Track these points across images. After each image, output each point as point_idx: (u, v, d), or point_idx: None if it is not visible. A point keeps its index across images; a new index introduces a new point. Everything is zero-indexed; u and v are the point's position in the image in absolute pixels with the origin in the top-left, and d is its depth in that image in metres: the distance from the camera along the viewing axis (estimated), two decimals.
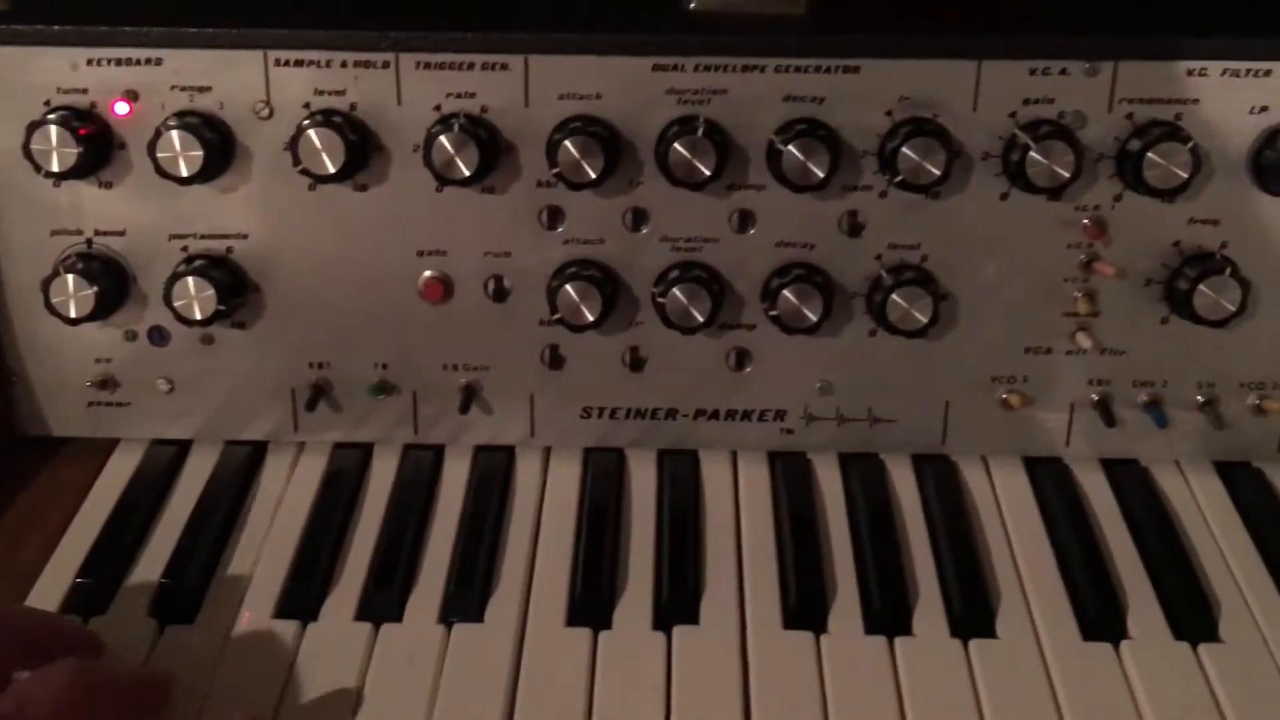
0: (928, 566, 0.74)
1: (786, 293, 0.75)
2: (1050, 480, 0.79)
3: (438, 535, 0.76)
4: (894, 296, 0.75)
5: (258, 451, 0.82)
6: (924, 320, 0.75)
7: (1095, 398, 0.79)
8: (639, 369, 0.80)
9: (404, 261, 0.77)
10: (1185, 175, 0.72)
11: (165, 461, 0.81)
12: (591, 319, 0.76)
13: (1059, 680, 0.66)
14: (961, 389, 0.80)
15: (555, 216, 0.77)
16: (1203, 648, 0.68)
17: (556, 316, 0.76)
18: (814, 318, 0.76)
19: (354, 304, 0.78)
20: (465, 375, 0.80)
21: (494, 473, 0.80)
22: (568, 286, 0.76)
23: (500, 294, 0.78)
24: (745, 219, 0.77)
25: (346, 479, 0.79)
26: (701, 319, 0.76)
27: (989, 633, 0.69)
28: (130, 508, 0.77)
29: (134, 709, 0.62)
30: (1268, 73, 0.72)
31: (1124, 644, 0.68)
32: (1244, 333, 0.77)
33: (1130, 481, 0.79)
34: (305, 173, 0.73)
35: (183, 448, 0.82)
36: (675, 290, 0.76)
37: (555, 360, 0.80)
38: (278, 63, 0.74)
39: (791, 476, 0.80)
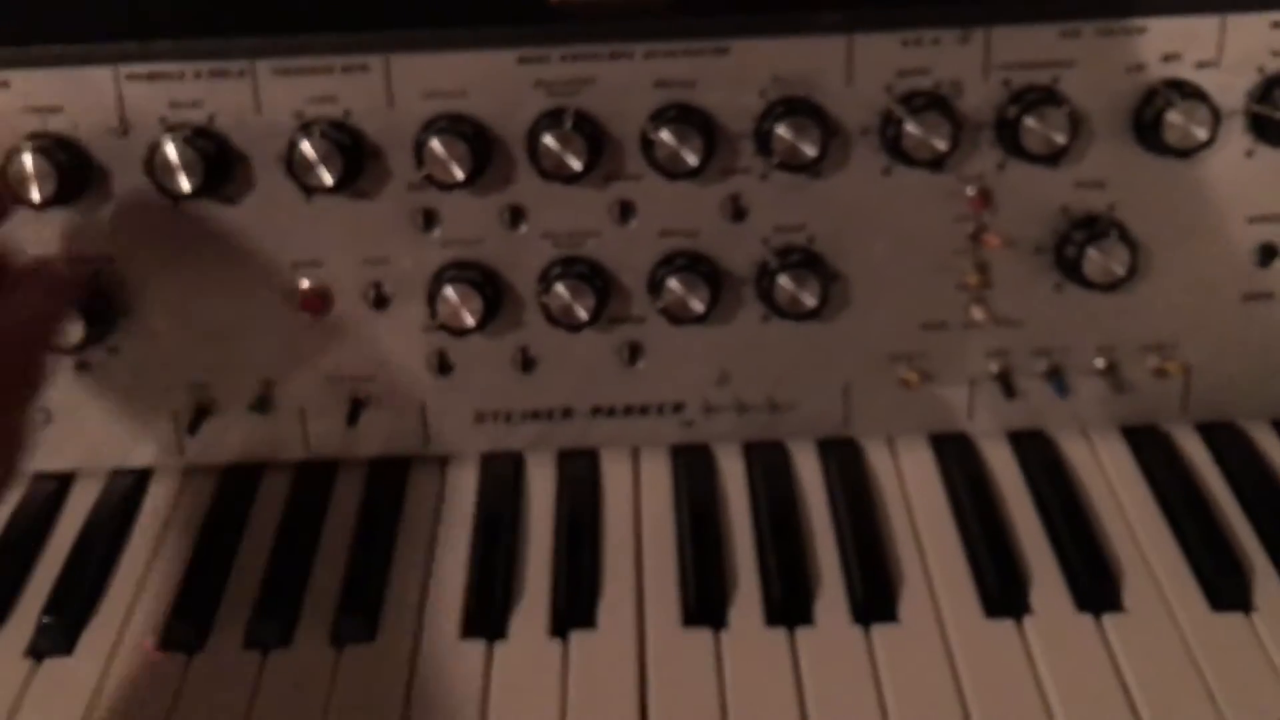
0: (831, 553, 0.72)
1: (672, 283, 0.74)
2: (954, 456, 0.78)
3: (330, 554, 0.74)
4: (781, 280, 0.73)
5: (143, 479, 0.79)
6: (813, 303, 0.74)
7: (995, 370, 0.78)
8: (530, 369, 0.78)
9: (279, 274, 0.75)
10: (1064, 139, 0.70)
11: (47, 495, 0.78)
12: (473, 322, 0.74)
13: (961, 661, 0.65)
14: (860, 370, 0.78)
15: (430, 219, 0.75)
16: (1106, 618, 0.67)
17: (438, 321, 0.74)
18: (701, 307, 0.74)
19: (230, 321, 0.76)
20: (352, 386, 0.78)
21: (388, 485, 0.78)
22: (447, 289, 0.74)
23: (381, 301, 0.76)
24: (625, 210, 0.75)
25: (235, 502, 0.77)
26: (586, 315, 0.74)
27: (891, 617, 0.68)
28: (10, 547, 0.74)
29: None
30: (1142, 30, 0.71)
31: (1026, 619, 0.67)
32: (1139, 295, 0.76)
33: (1034, 452, 0.78)
34: (164, 190, 0.71)
35: (66, 480, 0.80)
36: (558, 287, 0.74)
37: (443, 366, 0.78)
38: (129, 77, 0.71)
39: (692, 470, 0.78)
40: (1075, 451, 0.78)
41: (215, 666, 0.67)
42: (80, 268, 0.68)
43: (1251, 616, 0.67)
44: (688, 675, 0.65)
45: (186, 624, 0.69)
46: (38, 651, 0.68)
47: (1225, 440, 0.78)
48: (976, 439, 0.80)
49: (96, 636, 0.69)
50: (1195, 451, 0.78)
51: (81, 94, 0.71)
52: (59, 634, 0.69)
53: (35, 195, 0.70)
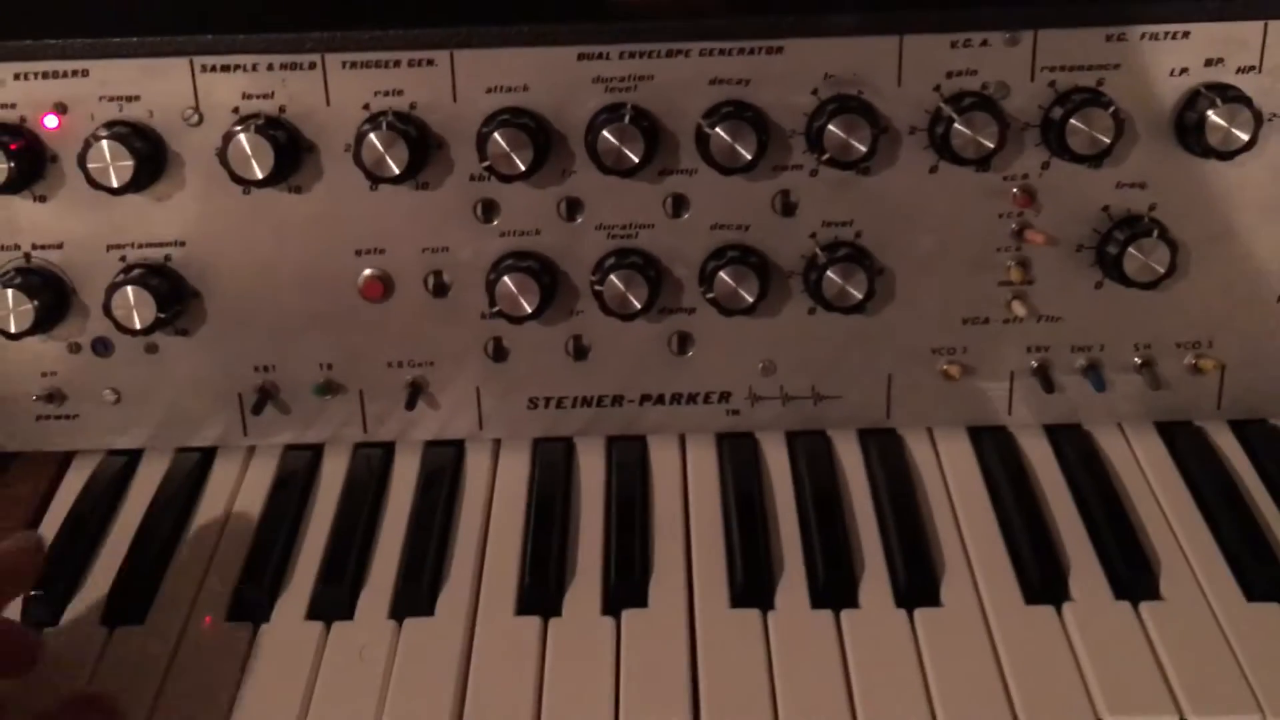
0: (873, 539, 0.74)
1: (723, 275, 0.76)
2: (993, 448, 0.80)
3: (388, 532, 0.76)
4: (829, 274, 0.76)
5: (208, 457, 0.82)
6: (859, 296, 0.76)
7: (1034, 364, 0.80)
8: (583, 357, 0.80)
9: (342, 261, 0.78)
10: (1108, 140, 0.72)
11: (116, 471, 0.81)
12: (530, 310, 0.76)
13: (1002, 645, 0.67)
14: (902, 362, 0.80)
15: (490, 209, 0.77)
16: (1143, 606, 0.69)
17: (496, 309, 0.77)
18: (750, 299, 0.76)
19: (295, 306, 0.79)
20: (410, 372, 0.80)
21: (443, 467, 0.81)
22: (505, 278, 0.76)
23: (440, 289, 0.79)
24: (679, 203, 0.77)
25: (296, 480, 0.80)
26: (639, 305, 0.76)
27: (934, 601, 0.70)
28: (81, 520, 0.77)
29: None
30: (1186, 34, 0.73)
31: (1066, 606, 0.69)
32: (1176, 293, 0.78)
33: (1072, 445, 0.80)
34: (236, 178, 0.73)
35: (134, 457, 0.82)
36: (612, 277, 0.76)
37: (499, 352, 0.80)
38: (204, 69, 0.74)
39: (738, 457, 0.80)
40: (1112, 445, 0.80)
41: (280, 637, 0.69)
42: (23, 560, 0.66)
43: None
44: (736, 654, 0.67)
45: (252, 595, 0.71)
46: (111, 621, 0.71)
47: (1259, 436, 0.80)
48: (1015, 431, 0.82)
49: (166, 607, 0.71)
50: (1229, 447, 0.80)
51: (158, 84, 0.74)
52: (131, 603, 0.71)
53: (114, 181, 0.73)
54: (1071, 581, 0.71)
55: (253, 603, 0.71)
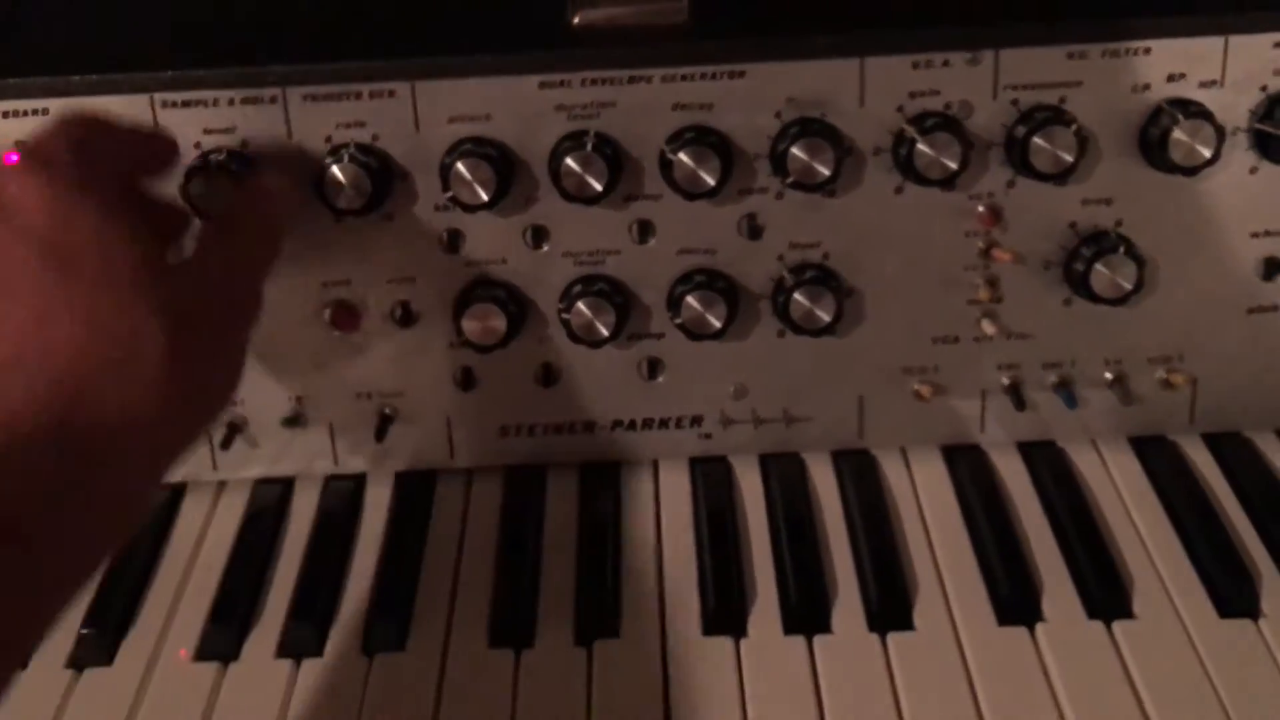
0: (846, 562, 0.74)
1: (690, 299, 0.76)
2: (966, 467, 0.80)
3: (359, 565, 0.76)
4: (796, 296, 0.75)
5: (178, 493, 0.82)
6: (827, 318, 0.76)
7: (1006, 382, 0.80)
8: (552, 384, 0.80)
9: (308, 293, 0.77)
10: (1071, 158, 0.72)
11: None
12: (497, 338, 0.76)
13: (975, 668, 0.67)
14: (874, 383, 0.80)
15: (455, 239, 0.77)
16: (1116, 625, 0.69)
17: (463, 338, 0.76)
18: (718, 323, 0.76)
19: (262, 338, 0.77)
20: (380, 402, 0.80)
21: (415, 498, 0.80)
22: (472, 308, 0.76)
23: (407, 319, 0.78)
24: (645, 229, 0.77)
25: (267, 515, 0.79)
26: (607, 332, 0.76)
27: (906, 625, 0.70)
28: None
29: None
30: (1148, 51, 0.73)
31: (1039, 626, 0.69)
32: (1146, 308, 0.78)
33: (1045, 463, 0.80)
34: (199, 213, 0.73)
35: None
36: (579, 304, 0.76)
37: (468, 381, 0.80)
38: (165, 105, 0.74)
39: (711, 481, 0.80)
40: (1085, 462, 0.80)
41: (249, 675, 0.69)
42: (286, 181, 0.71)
43: (1259, 623, 0.69)
44: (708, 683, 0.67)
45: (221, 634, 0.71)
46: (78, 663, 0.70)
47: (1232, 450, 0.80)
48: (988, 450, 0.81)
49: (135, 648, 0.71)
50: (1203, 461, 0.80)
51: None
52: (99, 645, 0.71)
53: None
54: (1044, 601, 0.70)
55: (222, 641, 0.71)
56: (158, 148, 0.72)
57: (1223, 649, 0.67)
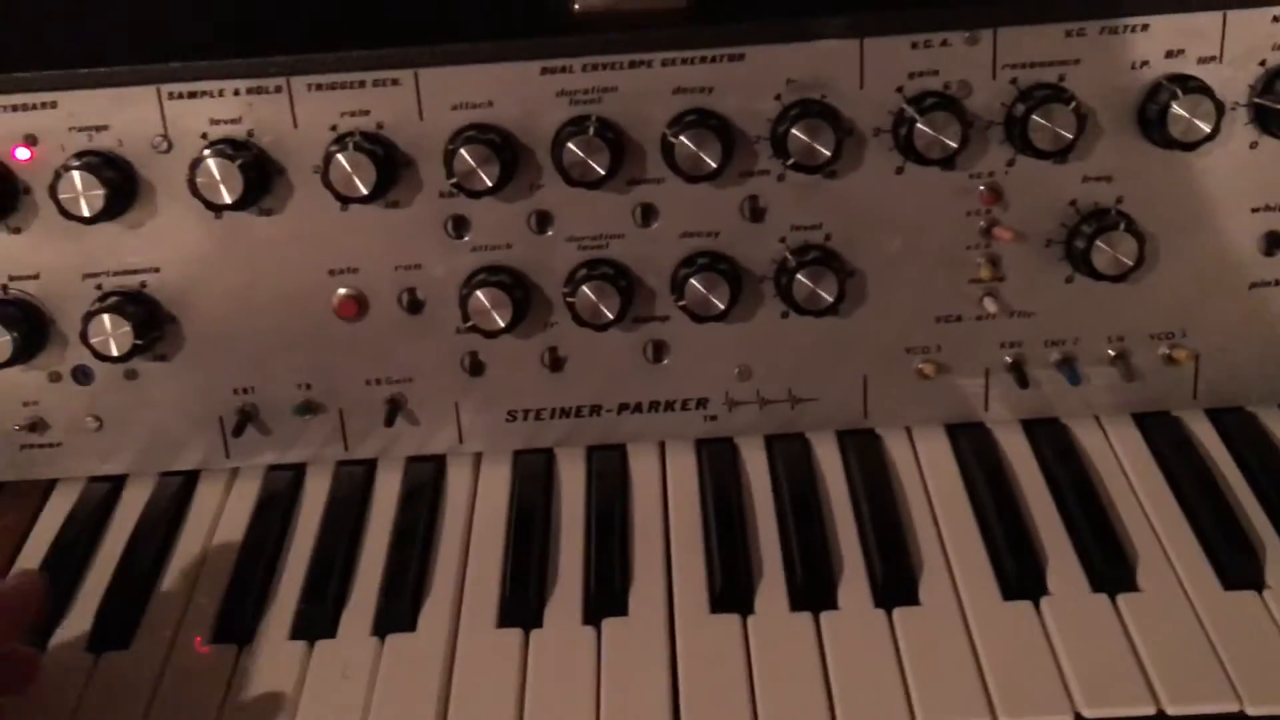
0: (852, 540, 0.75)
1: (694, 282, 0.76)
2: (971, 445, 0.80)
3: (370, 549, 0.77)
4: (799, 277, 0.76)
5: (191, 480, 0.83)
6: (830, 299, 0.76)
7: (1009, 360, 0.80)
8: (559, 369, 0.81)
9: (317, 281, 0.78)
10: (1071, 135, 0.73)
11: (100, 498, 0.81)
12: (503, 324, 0.77)
13: (980, 641, 0.67)
14: (878, 362, 0.81)
15: (460, 225, 0.78)
16: (1121, 598, 0.69)
17: (470, 324, 0.77)
18: (722, 305, 0.77)
19: (271, 327, 0.79)
20: (388, 389, 0.81)
21: (424, 483, 0.81)
22: (478, 293, 0.77)
23: (415, 306, 0.79)
24: (648, 213, 0.78)
25: (279, 501, 0.81)
26: (612, 315, 0.77)
27: (912, 600, 0.70)
28: (66, 546, 0.78)
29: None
30: (1145, 27, 0.73)
31: (1044, 600, 0.69)
32: (1147, 285, 0.78)
33: (1049, 440, 0.80)
34: (206, 204, 0.74)
35: (118, 483, 0.83)
36: (584, 289, 0.77)
37: (476, 367, 0.81)
38: (171, 96, 0.75)
39: (716, 462, 0.81)
40: (1089, 438, 0.81)
41: (263, 657, 0.70)
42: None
43: (1263, 594, 0.69)
44: (716, 659, 0.68)
45: (235, 617, 0.72)
46: (96, 646, 0.71)
47: (1235, 424, 0.80)
48: (993, 428, 0.82)
49: (151, 631, 0.72)
50: (1206, 436, 0.80)
51: (126, 113, 0.75)
52: (116, 630, 0.72)
53: (85, 210, 0.74)
54: (1049, 576, 0.71)
55: (237, 624, 0.72)
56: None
57: (1226, 620, 0.67)
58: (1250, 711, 0.63)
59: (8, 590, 0.67)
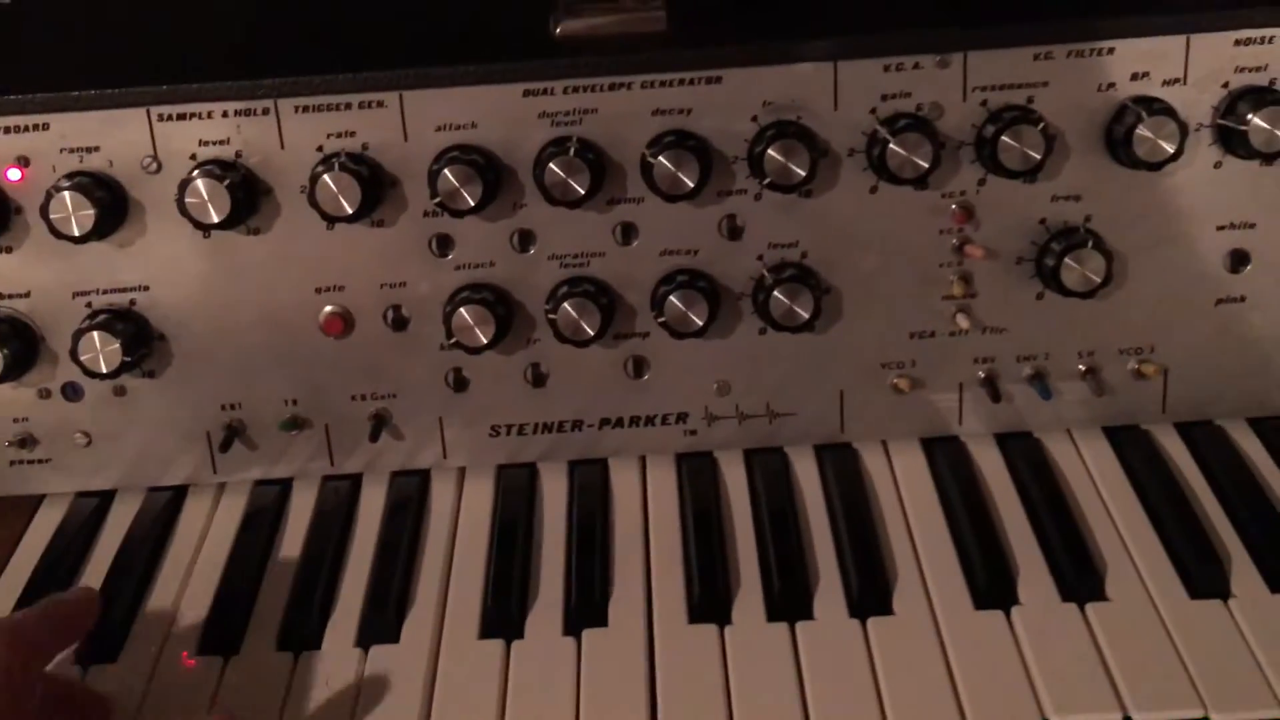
0: (828, 552, 0.76)
1: (673, 299, 0.78)
2: (945, 459, 0.82)
3: (355, 562, 0.78)
4: (776, 294, 0.78)
5: (179, 495, 0.84)
6: (806, 315, 0.78)
7: (982, 375, 0.82)
8: (541, 385, 0.82)
9: (303, 299, 0.80)
10: (1039, 155, 0.75)
11: (89, 513, 0.83)
12: (486, 340, 0.78)
13: (952, 650, 0.69)
14: (854, 378, 0.82)
15: (445, 244, 0.79)
16: (1090, 607, 0.71)
17: (454, 340, 0.79)
18: (700, 321, 0.78)
19: (258, 344, 0.81)
20: (374, 404, 0.82)
21: (409, 497, 0.82)
22: (461, 310, 0.78)
23: (400, 323, 0.81)
24: (628, 231, 0.79)
25: (265, 515, 0.82)
26: (592, 332, 0.78)
27: (886, 610, 0.72)
28: (55, 561, 0.79)
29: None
30: (1111, 51, 0.75)
31: (1014, 610, 0.71)
32: (1116, 301, 0.80)
33: (1021, 453, 0.82)
34: (194, 223, 0.75)
35: (106, 498, 0.84)
36: (565, 305, 0.78)
37: (460, 383, 0.82)
38: (161, 118, 0.76)
39: (696, 476, 0.82)
40: (1061, 451, 0.82)
41: (250, 668, 0.71)
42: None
43: (1229, 603, 0.70)
44: (694, 669, 0.69)
45: (222, 629, 0.73)
46: (83, 659, 0.72)
47: (1203, 438, 0.82)
48: (967, 441, 0.83)
49: (138, 644, 0.73)
50: (1175, 449, 0.82)
51: (116, 134, 0.76)
52: (103, 643, 0.73)
53: (75, 230, 0.75)
54: (1020, 586, 0.72)
55: (223, 636, 0.73)
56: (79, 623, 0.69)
57: (1193, 629, 0.69)
58: (1214, 718, 0.64)
59: (69, 600, 0.69)
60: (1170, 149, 0.74)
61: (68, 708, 0.67)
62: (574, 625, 0.72)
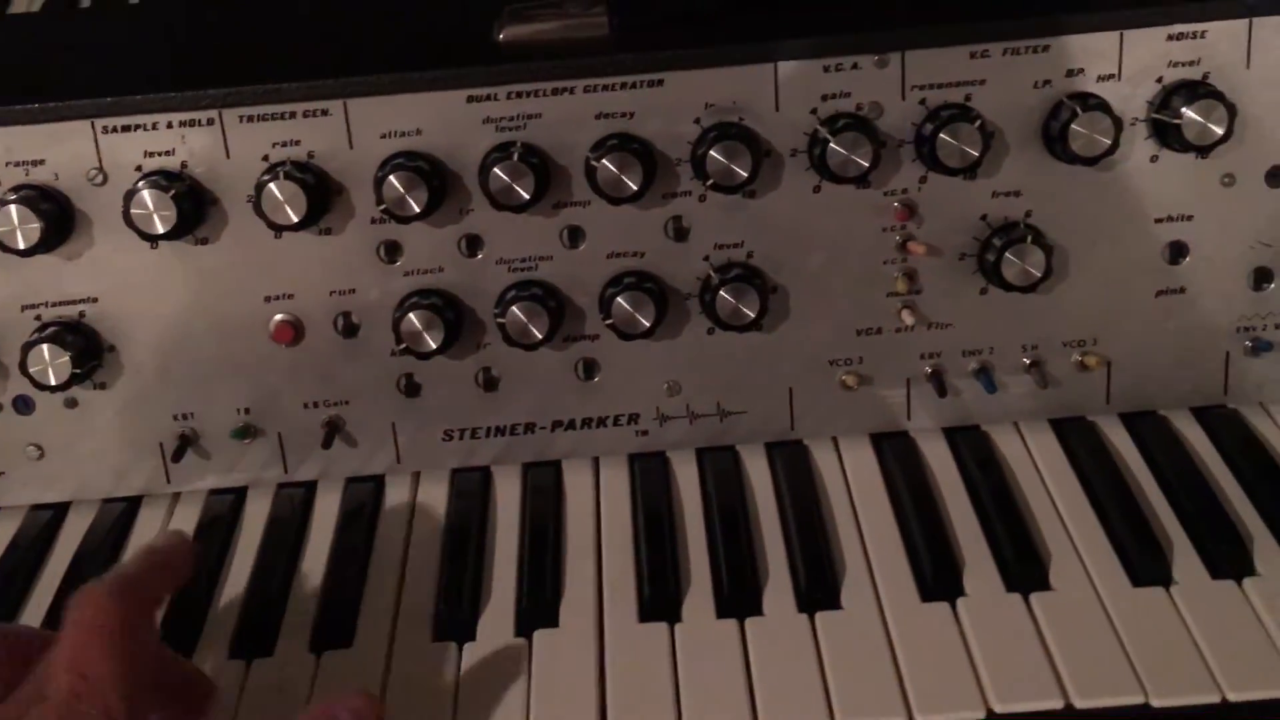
0: (778, 549, 0.77)
1: (620, 301, 0.79)
2: (894, 454, 0.83)
3: (309, 569, 0.78)
4: (722, 294, 0.78)
5: (134, 506, 0.84)
6: (753, 314, 0.79)
7: (928, 371, 0.83)
8: (493, 388, 0.83)
9: (253, 308, 0.80)
10: (977, 153, 0.76)
11: (43, 525, 0.83)
12: (435, 345, 0.79)
13: (899, 643, 0.70)
14: (802, 375, 0.83)
15: (393, 250, 0.80)
16: (1034, 596, 0.72)
17: (404, 346, 0.79)
18: (648, 323, 0.79)
19: (209, 354, 0.81)
20: (326, 412, 0.83)
21: (363, 502, 0.83)
22: (410, 316, 0.78)
23: (350, 330, 0.81)
24: (575, 234, 0.80)
25: (220, 524, 0.82)
26: (541, 335, 0.79)
27: (834, 604, 0.73)
28: (9, 574, 0.79)
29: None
30: (1046, 48, 0.77)
31: (960, 601, 0.72)
32: (1058, 295, 0.81)
33: (969, 447, 0.83)
34: (141, 233, 0.76)
35: (61, 510, 0.84)
36: (514, 309, 0.79)
37: (411, 388, 0.83)
38: (106, 130, 0.76)
39: (648, 477, 0.83)
40: (1008, 444, 0.83)
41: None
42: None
43: (1170, 590, 0.71)
44: (644, 667, 0.70)
45: (176, 636, 0.73)
46: None
47: (1147, 428, 0.83)
48: (916, 436, 0.84)
49: None
50: (1119, 439, 0.83)
51: (61, 147, 0.76)
52: None
53: (21, 243, 0.75)
54: (966, 577, 0.73)
55: (177, 643, 0.72)
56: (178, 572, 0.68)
57: (1135, 616, 0.70)
58: (1155, 704, 0.65)
59: (164, 547, 0.68)
60: (1106, 143, 0.76)
61: (175, 669, 0.67)
62: (525, 626, 0.73)
